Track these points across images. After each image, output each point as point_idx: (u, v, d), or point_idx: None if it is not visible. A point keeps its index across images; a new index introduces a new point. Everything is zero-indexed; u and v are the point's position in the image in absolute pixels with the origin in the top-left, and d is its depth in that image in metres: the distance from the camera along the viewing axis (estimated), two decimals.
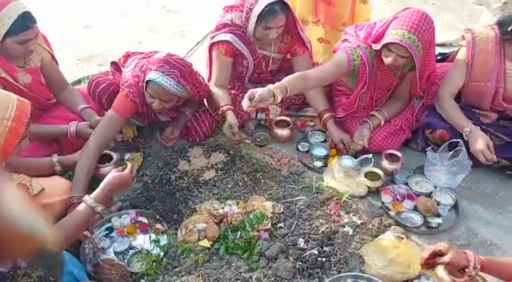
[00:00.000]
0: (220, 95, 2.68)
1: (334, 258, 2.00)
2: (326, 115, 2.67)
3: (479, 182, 2.50)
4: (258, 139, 2.79)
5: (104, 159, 2.33)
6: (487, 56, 2.37)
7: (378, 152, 2.57)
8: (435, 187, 2.38)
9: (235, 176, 2.48)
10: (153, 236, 2.10)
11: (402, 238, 1.95)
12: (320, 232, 2.12)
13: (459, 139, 2.35)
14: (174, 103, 2.48)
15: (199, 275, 1.91)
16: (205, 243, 2.05)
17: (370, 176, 2.40)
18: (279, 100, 2.19)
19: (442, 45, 3.68)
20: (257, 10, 2.48)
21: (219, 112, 2.64)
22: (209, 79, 2.84)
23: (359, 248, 2.05)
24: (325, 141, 2.74)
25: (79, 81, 3.24)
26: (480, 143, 2.28)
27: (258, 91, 2.15)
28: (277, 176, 2.50)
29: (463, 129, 2.36)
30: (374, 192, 2.38)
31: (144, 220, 2.18)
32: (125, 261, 1.98)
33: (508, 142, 2.44)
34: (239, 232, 2.08)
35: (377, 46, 2.36)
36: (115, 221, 2.14)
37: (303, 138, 2.81)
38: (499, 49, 2.36)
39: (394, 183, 2.44)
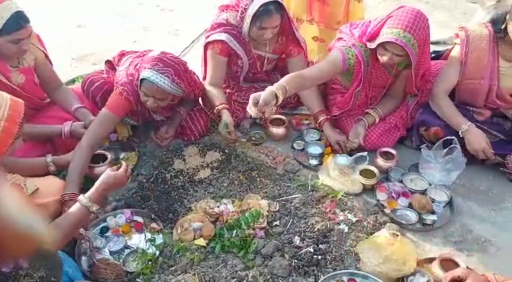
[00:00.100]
0: (215, 94, 2.67)
1: (329, 255, 2.01)
2: (321, 117, 2.66)
3: (473, 179, 2.51)
4: (253, 138, 2.79)
5: (99, 158, 2.32)
6: (480, 54, 2.38)
7: (373, 149, 2.58)
8: (430, 184, 2.40)
9: (231, 174, 2.48)
10: (149, 235, 2.09)
11: (397, 235, 1.95)
12: (315, 229, 2.12)
13: (453, 137, 2.37)
14: (169, 102, 2.47)
15: (195, 273, 1.90)
16: (201, 241, 2.04)
17: (365, 173, 2.41)
18: (280, 102, 2.17)
19: (436, 43, 3.68)
20: (251, 10, 2.46)
21: (214, 111, 2.64)
22: (204, 78, 2.84)
23: (354, 245, 2.05)
24: (320, 139, 2.74)
25: (73, 81, 3.22)
26: (481, 140, 2.30)
27: (262, 95, 2.11)
28: (273, 174, 2.50)
29: (460, 126, 2.37)
30: (369, 190, 2.39)
31: (140, 219, 2.17)
32: (121, 260, 1.98)
33: (501, 139, 2.47)
34: (235, 231, 2.08)
35: (372, 45, 2.35)
36: (110, 221, 2.13)
37: (299, 137, 2.81)
38: (492, 47, 2.37)
39: (389, 180, 2.45)
